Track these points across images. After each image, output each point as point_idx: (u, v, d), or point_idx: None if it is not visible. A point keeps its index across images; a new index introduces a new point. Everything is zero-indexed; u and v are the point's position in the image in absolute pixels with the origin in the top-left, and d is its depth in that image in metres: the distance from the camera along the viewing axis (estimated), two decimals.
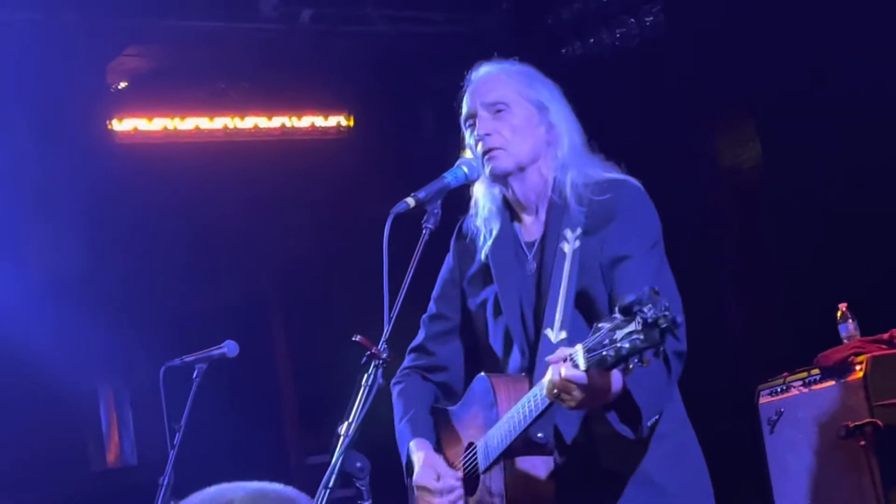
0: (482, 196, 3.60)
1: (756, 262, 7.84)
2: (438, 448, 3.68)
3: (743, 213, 7.92)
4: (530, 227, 3.53)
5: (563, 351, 2.94)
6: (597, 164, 3.50)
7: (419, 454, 3.60)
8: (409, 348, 3.85)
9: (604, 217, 3.34)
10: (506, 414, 3.29)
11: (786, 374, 6.14)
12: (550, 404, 3.07)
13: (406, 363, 3.85)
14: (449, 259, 3.77)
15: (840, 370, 5.85)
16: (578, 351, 2.84)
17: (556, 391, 2.97)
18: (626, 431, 3.11)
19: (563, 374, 2.92)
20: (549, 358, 3.00)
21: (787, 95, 7.34)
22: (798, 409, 6.03)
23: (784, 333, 7.57)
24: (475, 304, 3.63)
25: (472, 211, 3.65)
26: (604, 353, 2.75)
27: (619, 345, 2.71)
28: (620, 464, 3.32)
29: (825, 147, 7.11)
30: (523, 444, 3.26)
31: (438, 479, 3.52)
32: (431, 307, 3.81)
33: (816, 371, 5.97)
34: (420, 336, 3.83)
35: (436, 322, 3.79)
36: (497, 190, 3.58)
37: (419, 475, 3.54)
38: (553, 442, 3.30)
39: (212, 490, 1.68)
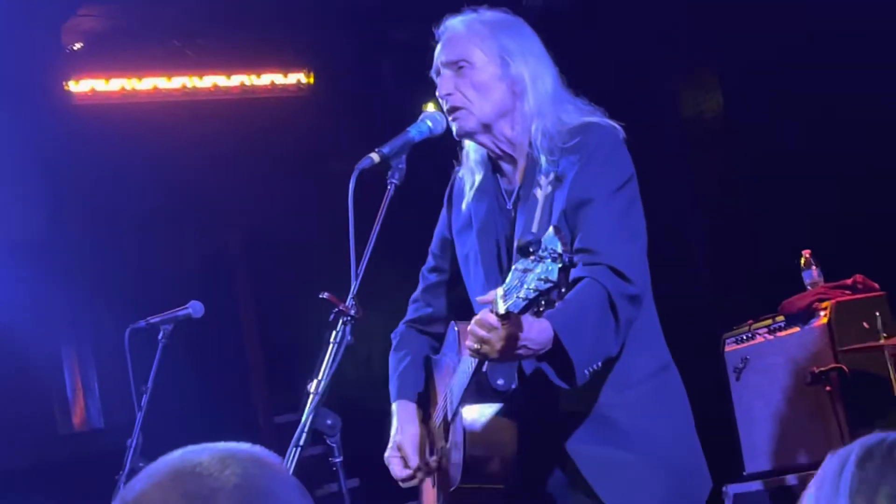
0: (469, 147, 3.59)
1: (720, 210, 7.87)
2: (427, 399, 3.72)
3: (705, 163, 7.94)
4: (510, 176, 3.53)
5: (489, 295, 2.92)
6: (573, 109, 3.47)
7: (394, 424, 3.68)
8: (410, 299, 3.90)
9: (571, 161, 3.33)
10: (462, 361, 3.31)
11: (751, 321, 6.18)
12: (480, 363, 3.09)
13: (407, 316, 3.89)
14: (443, 213, 3.78)
15: (804, 316, 5.89)
16: (497, 294, 2.81)
17: (474, 344, 2.98)
18: (561, 383, 3.10)
19: (479, 317, 2.94)
20: (479, 298, 3.00)
21: (748, 45, 7.35)
22: (763, 357, 6.07)
23: (748, 280, 7.61)
24: (462, 256, 3.65)
25: (462, 162, 3.64)
26: (515, 295, 2.73)
27: (527, 287, 2.69)
28: (583, 407, 3.32)
29: (787, 96, 7.13)
30: (481, 390, 3.28)
31: (405, 465, 3.61)
32: (429, 260, 3.85)
33: (781, 318, 6.02)
34: (419, 288, 3.88)
35: (432, 273, 3.84)
36: None
37: (388, 457, 3.64)
38: (514, 387, 3.31)
39: (177, 454, 1.65)
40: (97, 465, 6.56)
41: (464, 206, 3.60)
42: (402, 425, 3.66)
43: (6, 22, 7.24)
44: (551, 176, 3.34)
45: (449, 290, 3.79)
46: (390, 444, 3.64)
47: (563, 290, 2.66)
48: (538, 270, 2.66)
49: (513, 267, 2.76)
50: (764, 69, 7.27)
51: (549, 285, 2.65)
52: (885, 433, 1.56)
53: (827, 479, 1.55)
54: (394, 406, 3.72)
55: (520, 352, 3.00)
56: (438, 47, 3.52)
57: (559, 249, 2.63)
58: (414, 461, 3.60)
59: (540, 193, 3.32)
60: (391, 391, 3.76)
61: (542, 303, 2.70)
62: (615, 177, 3.33)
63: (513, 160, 3.50)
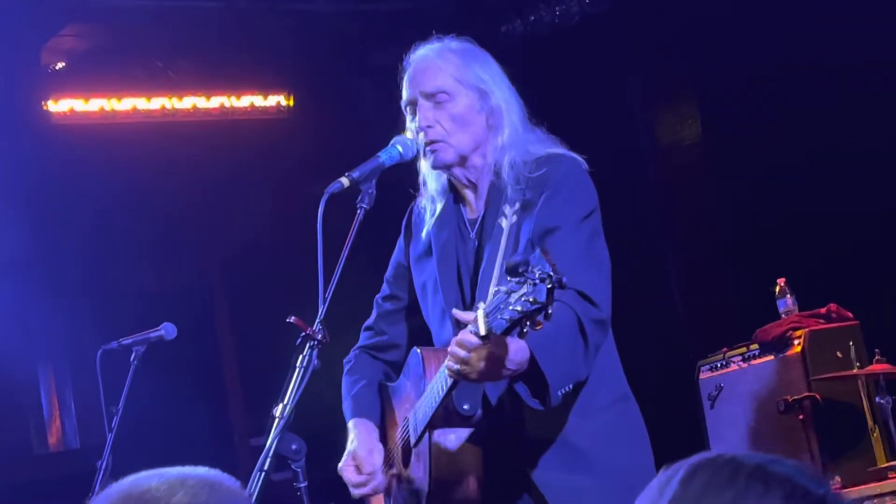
0: (429, 177, 3.60)
1: (696, 238, 7.89)
2: (382, 424, 3.71)
3: (682, 190, 7.96)
4: (473, 205, 3.54)
5: (468, 315, 2.93)
6: (539, 141, 3.49)
7: (351, 437, 3.66)
8: (362, 327, 3.89)
9: (538, 191, 3.35)
10: (429, 385, 3.30)
11: (725, 349, 6.19)
12: (455, 382, 3.07)
13: (359, 342, 3.89)
14: (400, 241, 3.79)
15: (779, 345, 5.90)
16: (479, 315, 2.82)
17: (455, 365, 2.97)
18: (535, 404, 3.10)
19: (459, 338, 2.92)
20: (456, 313, 3.01)
21: (726, 72, 7.38)
22: (737, 384, 6.08)
23: (723, 309, 7.62)
24: (419, 284, 3.65)
25: (420, 191, 3.65)
26: (499, 316, 2.74)
27: (512, 307, 2.70)
28: (548, 433, 3.33)
29: (764, 124, 7.16)
30: (447, 415, 3.28)
31: (358, 470, 3.58)
32: (384, 288, 3.85)
33: (755, 346, 6.03)
34: (373, 315, 3.87)
35: (387, 302, 3.83)
36: (444, 173, 3.58)
37: (341, 465, 3.62)
38: (480, 413, 3.31)
39: (128, 480, 1.64)
40: (72, 485, 6.54)
41: (423, 234, 3.61)
42: (360, 437, 3.65)
43: None
44: (517, 206, 3.35)
45: (405, 317, 3.79)
46: (345, 455, 3.63)
47: (549, 311, 2.67)
48: (523, 291, 2.67)
49: (496, 288, 2.77)
50: (742, 97, 7.30)
51: (536, 306, 2.66)
52: (717, 453, 1.53)
53: (652, 491, 1.54)
54: (350, 424, 3.70)
55: (500, 372, 3.01)
56: (409, 76, 3.52)
57: (548, 270, 2.64)
58: (368, 468, 3.58)
59: (505, 223, 3.34)
60: (346, 412, 3.75)
61: (527, 324, 2.71)
62: (580, 207, 3.35)
63: (476, 189, 3.52)
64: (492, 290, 3.24)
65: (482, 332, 2.80)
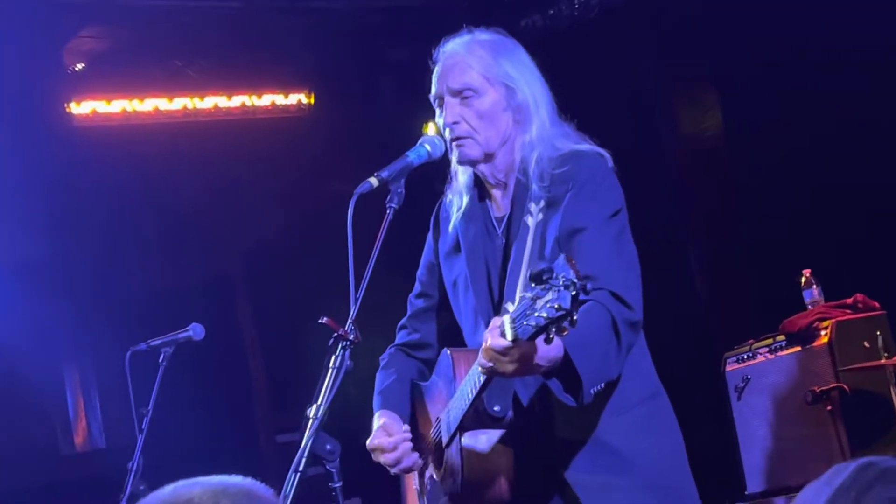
0: (460, 170, 3.59)
1: (720, 229, 7.87)
2: (414, 422, 3.70)
3: (705, 181, 7.94)
4: (500, 203, 3.53)
5: (496, 321, 2.93)
6: (567, 136, 3.47)
7: (376, 420, 3.64)
8: (398, 326, 3.89)
9: (563, 189, 3.33)
10: (459, 387, 3.30)
11: (751, 341, 6.18)
12: (488, 379, 3.07)
13: (396, 340, 3.89)
14: (429, 238, 3.78)
15: (805, 336, 5.89)
16: (506, 321, 2.82)
17: (486, 363, 2.97)
18: (568, 400, 3.09)
19: (489, 343, 2.91)
20: (510, 308, 3.01)
21: (747, 63, 7.36)
22: (764, 376, 6.07)
23: (749, 300, 7.61)
24: (450, 282, 3.65)
25: (450, 185, 3.64)
26: (524, 322, 2.73)
27: (538, 314, 2.69)
28: (580, 433, 3.32)
29: (786, 114, 7.13)
30: (478, 416, 3.27)
31: (389, 435, 3.56)
32: (416, 286, 3.85)
33: (782, 337, 6.01)
34: (407, 314, 3.87)
35: (419, 300, 3.83)
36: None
37: (371, 439, 3.58)
38: (511, 414, 3.31)
39: (168, 489, 1.65)
40: (100, 485, 6.57)
41: (451, 228, 3.60)
42: (389, 417, 3.64)
43: (7, 44, 7.26)
44: (542, 203, 3.33)
45: (436, 315, 3.79)
46: (373, 433, 3.60)
47: (574, 317, 2.66)
48: (549, 297, 2.66)
49: (521, 294, 2.76)
50: (763, 86, 7.28)
51: (560, 313, 2.65)
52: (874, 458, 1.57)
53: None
54: (377, 415, 3.69)
55: (532, 369, 3.01)
56: (438, 72, 3.50)
57: (572, 277, 2.63)
58: (399, 432, 3.56)
59: (531, 221, 3.32)
60: (375, 405, 3.74)
61: (553, 330, 2.70)
62: (607, 205, 3.33)
63: (504, 186, 3.51)
64: (518, 292, 3.25)
65: (509, 337, 2.80)
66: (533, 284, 2.69)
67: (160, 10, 7.68)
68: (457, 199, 3.60)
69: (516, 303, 2.78)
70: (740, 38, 7.31)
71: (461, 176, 3.58)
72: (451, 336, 3.71)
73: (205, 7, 7.77)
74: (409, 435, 3.56)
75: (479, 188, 3.58)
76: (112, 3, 7.54)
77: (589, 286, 2.66)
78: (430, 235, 3.78)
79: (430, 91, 3.55)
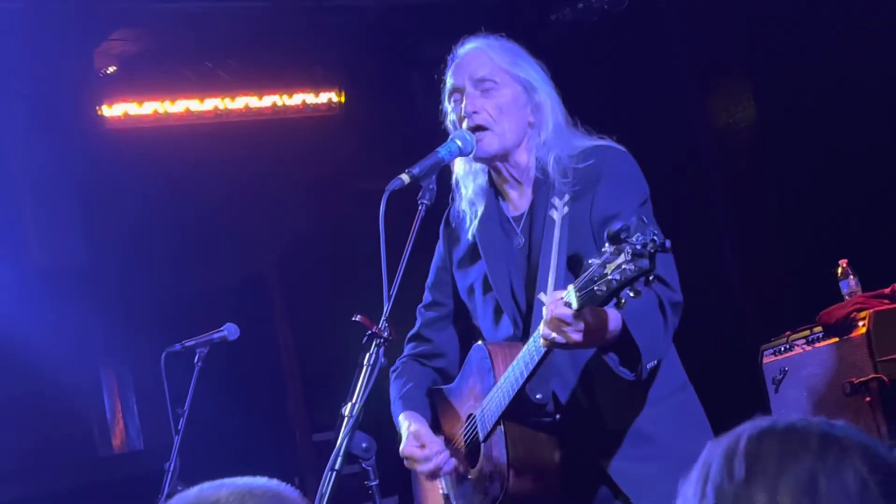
0: (464, 178, 3.62)
1: (755, 222, 7.82)
2: (437, 427, 3.69)
3: (739, 173, 7.90)
4: (516, 203, 3.56)
5: (556, 294, 2.94)
6: (582, 136, 3.52)
7: (405, 424, 3.64)
8: (406, 337, 3.88)
9: (590, 181, 3.37)
10: (502, 376, 3.30)
11: (788, 332, 6.13)
12: (547, 352, 3.07)
13: (405, 352, 3.88)
14: (439, 246, 3.80)
15: (843, 327, 5.84)
16: (570, 290, 2.84)
17: (550, 334, 2.96)
18: (625, 374, 3.12)
19: (553, 312, 2.91)
20: (543, 298, 3.00)
21: (781, 53, 7.31)
22: (802, 368, 6.02)
23: (785, 292, 7.56)
24: (465, 287, 3.66)
25: (454, 194, 3.66)
26: (594, 288, 2.74)
27: (609, 278, 2.70)
28: (615, 423, 3.34)
29: (820, 104, 7.08)
30: (522, 405, 3.27)
31: (422, 447, 3.55)
32: (426, 295, 3.85)
33: (819, 329, 5.96)
34: (416, 325, 3.86)
35: (430, 309, 3.83)
36: (480, 169, 3.59)
37: (403, 446, 3.59)
38: (552, 403, 3.32)
39: (194, 491, 1.65)
40: (138, 486, 6.60)
41: (469, 235, 3.61)
42: (417, 421, 3.64)
43: (39, 47, 7.30)
44: (566, 197, 3.36)
45: (451, 323, 3.79)
46: (405, 438, 3.61)
47: (651, 277, 2.67)
48: (620, 260, 2.68)
49: (588, 261, 2.78)
50: (797, 76, 7.23)
51: (637, 273, 2.66)
52: (769, 421, 1.53)
53: (705, 471, 1.56)
54: (400, 417, 3.69)
55: (596, 340, 3.03)
56: (457, 65, 3.55)
57: (651, 235, 2.64)
58: (432, 442, 3.56)
59: (556, 214, 3.34)
60: (394, 412, 3.74)
61: (627, 293, 2.71)
62: (638, 194, 3.38)
63: (519, 186, 3.54)
64: (550, 284, 3.25)
65: (574, 305, 2.82)
66: (607, 245, 2.70)
67: (190, 12, 7.71)
68: (469, 207, 3.62)
69: (583, 271, 2.79)
70: (774, 29, 7.27)
71: (470, 184, 3.61)
72: (465, 347, 3.71)
73: (234, 8, 7.80)
74: (443, 447, 3.57)
75: (493, 190, 3.60)
76: (142, 6, 7.58)
77: (668, 243, 2.65)
78: (439, 244, 3.80)
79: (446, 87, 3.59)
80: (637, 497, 3.29)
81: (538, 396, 3.28)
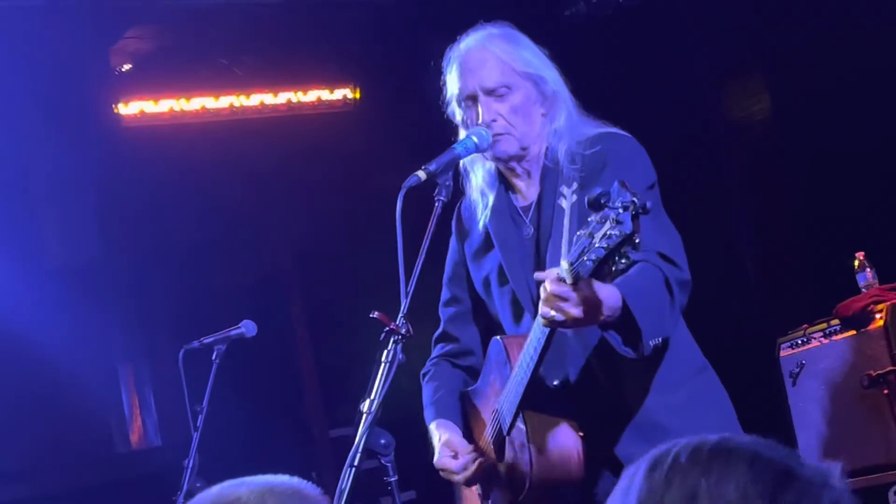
0: (471, 163, 3.61)
1: (770, 215, 7.81)
2: (468, 432, 3.69)
3: (755, 167, 7.88)
4: (525, 192, 3.57)
5: (551, 271, 2.93)
6: (591, 123, 3.53)
7: (437, 435, 3.65)
8: (433, 338, 3.88)
9: (597, 168, 3.36)
10: (516, 366, 3.30)
11: (805, 325, 6.12)
12: (551, 333, 3.06)
13: (433, 353, 3.88)
14: (452, 241, 3.80)
15: (860, 319, 5.83)
16: (563, 264, 2.83)
17: (549, 312, 2.94)
18: (627, 352, 3.10)
19: (548, 288, 2.91)
20: (537, 275, 2.99)
21: (796, 46, 7.29)
22: (819, 361, 6.01)
23: (802, 285, 7.55)
24: (480, 279, 3.66)
25: (463, 181, 3.66)
26: (584, 259, 2.73)
27: (597, 246, 2.69)
28: (629, 412, 3.34)
29: (836, 97, 7.06)
30: (539, 393, 3.27)
31: (455, 456, 3.56)
32: (444, 292, 3.85)
33: (836, 321, 5.95)
34: (441, 323, 3.87)
35: (451, 306, 3.83)
36: (489, 162, 3.59)
37: (437, 457, 3.60)
38: (569, 389, 3.33)
39: (215, 489, 1.65)
40: (156, 482, 6.63)
41: (480, 227, 3.62)
42: (448, 430, 3.65)
43: (55, 46, 7.32)
44: (574, 185, 3.34)
45: (472, 319, 3.79)
46: (438, 448, 3.62)
47: (636, 240, 2.66)
48: (606, 228, 2.67)
49: (577, 233, 2.77)
50: (812, 69, 7.21)
51: (621, 238, 2.65)
52: (676, 441, 1.54)
53: (618, 492, 1.53)
54: (432, 426, 3.70)
55: (594, 317, 3.01)
56: (462, 70, 3.52)
57: (630, 198, 2.64)
58: (466, 451, 3.57)
59: (565, 202, 3.32)
60: (427, 418, 3.75)
61: (616, 259, 2.70)
62: (645, 178, 3.38)
63: (527, 176, 3.54)
64: (564, 246, 3.25)
65: (568, 280, 2.81)
66: (591, 213, 2.70)
67: (204, 9, 7.71)
68: (480, 198, 3.62)
69: (574, 244, 2.78)
70: (789, 21, 7.25)
71: (481, 173, 3.60)
72: (488, 342, 3.70)
73: (248, 4, 7.79)
74: (475, 455, 3.56)
75: (502, 181, 3.60)
76: (157, 4, 7.59)
77: (649, 205, 2.65)
78: (452, 239, 3.80)
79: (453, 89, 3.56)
80: None
81: (555, 382, 3.29)
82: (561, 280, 2.85)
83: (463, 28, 3.67)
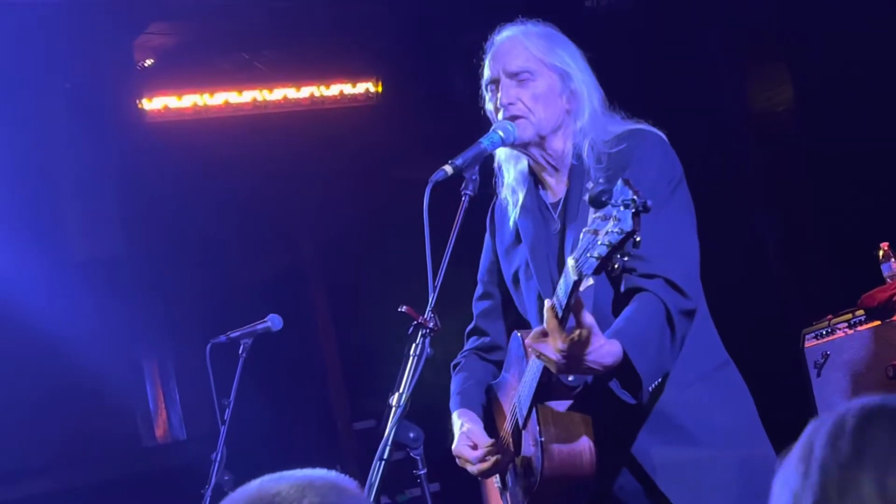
0: (506, 162, 3.64)
1: (794, 205, 7.79)
2: (491, 423, 3.71)
3: (777, 157, 7.87)
4: (554, 189, 3.57)
5: (548, 302, 2.97)
6: (617, 122, 3.52)
7: (458, 423, 3.67)
8: (466, 332, 3.91)
9: (621, 166, 3.35)
10: (531, 360, 3.31)
11: (830, 316, 6.11)
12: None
13: (465, 346, 3.91)
14: (487, 238, 3.82)
15: (885, 310, 5.81)
16: (569, 262, 2.83)
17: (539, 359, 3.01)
18: (626, 397, 3.13)
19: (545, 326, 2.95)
20: (547, 302, 3.01)
21: (818, 35, 7.27)
22: (844, 351, 6.00)
23: (826, 276, 7.53)
24: (510, 275, 3.68)
25: (497, 180, 3.68)
26: (588, 256, 2.73)
27: (600, 243, 2.69)
28: (651, 403, 3.32)
29: (859, 87, 7.04)
30: (552, 387, 3.28)
31: (474, 447, 3.58)
32: (478, 288, 3.87)
33: (861, 312, 5.94)
34: (474, 318, 3.89)
35: (483, 301, 3.86)
36: (522, 161, 3.61)
37: (455, 445, 3.61)
38: (583, 385, 3.33)
39: (255, 484, 1.66)
40: (182, 475, 6.66)
41: (511, 223, 3.63)
42: (470, 420, 3.67)
43: (79, 42, 7.35)
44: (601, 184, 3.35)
45: (502, 315, 3.81)
46: (458, 437, 3.63)
47: (637, 239, 2.66)
48: (609, 226, 2.67)
49: (582, 232, 2.77)
50: (835, 58, 7.19)
51: (622, 236, 2.65)
52: (878, 400, 1.54)
53: (807, 453, 1.53)
54: (454, 415, 3.73)
55: (588, 367, 3.03)
56: (493, 55, 3.55)
57: (631, 196, 2.64)
58: (485, 442, 3.59)
59: None
60: (452, 406, 3.77)
61: (618, 257, 2.71)
62: (668, 181, 3.37)
63: (557, 171, 3.54)
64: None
65: (574, 277, 2.81)
66: (592, 210, 2.71)
67: (227, 4, 7.73)
68: (510, 194, 3.64)
69: (580, 241, 2.79)
70: (811, 10, 7.22)
71: (511, 170, 3.63)
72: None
73: None
74: (493, 448, 3.58)
75: (533, 177, 3.61)
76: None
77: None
78: (487, 236, 3.82)
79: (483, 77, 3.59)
80: (667, 484, 3.28)
81: (570, 378, 3.29)
82: (552, 309, 2.89)
83: (486, 21, 3.69)
